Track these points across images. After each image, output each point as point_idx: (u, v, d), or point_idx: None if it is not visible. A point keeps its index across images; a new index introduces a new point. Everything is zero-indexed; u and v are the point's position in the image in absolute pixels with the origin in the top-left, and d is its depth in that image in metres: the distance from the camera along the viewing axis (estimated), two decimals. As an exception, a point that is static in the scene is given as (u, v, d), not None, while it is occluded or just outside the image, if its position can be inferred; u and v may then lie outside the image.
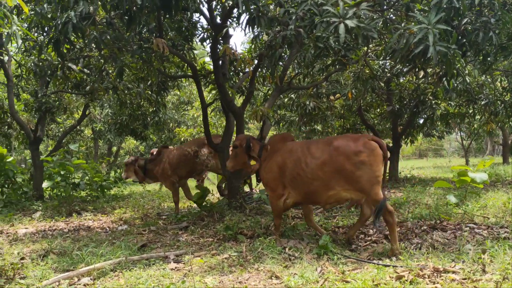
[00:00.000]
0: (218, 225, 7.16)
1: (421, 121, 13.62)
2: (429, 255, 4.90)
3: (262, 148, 6.10)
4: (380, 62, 11.68)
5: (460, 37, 5.86)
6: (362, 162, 5.22)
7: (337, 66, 8.45)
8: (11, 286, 4.44)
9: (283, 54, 6.81)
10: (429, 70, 8.99)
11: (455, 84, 9.81)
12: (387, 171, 11.87)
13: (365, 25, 5.15)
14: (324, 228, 6.71)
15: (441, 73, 7.56)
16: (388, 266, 4.57)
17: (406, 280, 4.07)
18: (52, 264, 5.22)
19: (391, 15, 7.16)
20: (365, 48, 8.57)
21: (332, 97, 12.46)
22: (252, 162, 6.12)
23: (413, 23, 5.63)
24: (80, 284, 4.45)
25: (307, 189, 5.59)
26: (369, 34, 5.30)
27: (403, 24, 5.75)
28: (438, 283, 4.00)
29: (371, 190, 5.22)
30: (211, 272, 4.71)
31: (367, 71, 9.77)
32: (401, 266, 4.50)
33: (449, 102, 12.28)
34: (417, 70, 7.65)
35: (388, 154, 5.52)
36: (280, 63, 8.60)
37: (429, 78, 9.94)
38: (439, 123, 14.35)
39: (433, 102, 11.82)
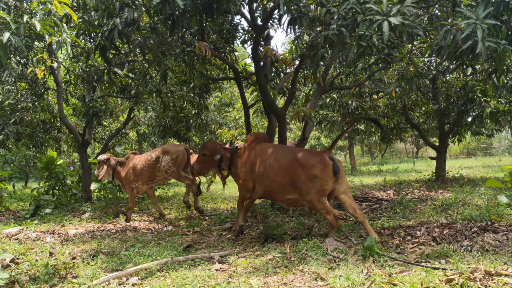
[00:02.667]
0: (262, 226, 7.18)
1: (469, 119, 13.18)
2: (480, 258, 4.73)
3: (234, 153, 6.83)
4: (425, 60, 11.40)
5: (510, 32, 5.64)
6: (315, 175, 5.75)
7: (381, 65, 8.30)
8: (64, 284, 4.60)
9: (325, 54, 6.75)
10: (477, 66, 8.69)
11: (505, 81, 9.47)
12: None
13: (410, 22, 5.04)
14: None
15: (490, 69, 7.32)
16: (438, 269, 4.44)
17: (457, 284, 3.93)
18: (101, 264, 5.37)
19: (437, 11, 6.97)
20: (409, 45, 8.39)
21: (375, 96, 12.25)
22: (224, 172, 7.03)
23: (460, 19, 5.46)
24: (128, 284, 4.56)
25: (267, 188, 6.22)
26: (414, 31, 5.18)
27: (449, 20, 5.58)
28: (490, 286, 3.85)
29: (318, 202, 5.82)
30: (255, 273, 4.72)
31: (412, 69, 9.56)
32: (451, 269, 4.36)
33: (499, 99, 11.83)
34: (464, 67, 7.40)
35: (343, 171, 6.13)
36: (322, 63, 8.54)
37: (478, 75, 9.60)
38: (488, 121, 13.84)
39: (482, 99, 11.43)
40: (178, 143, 15.40)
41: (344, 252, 5.25)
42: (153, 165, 8.72)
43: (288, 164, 5.98)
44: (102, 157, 9.30)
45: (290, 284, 4.28)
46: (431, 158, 15.03)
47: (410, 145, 37.02)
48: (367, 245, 5.09)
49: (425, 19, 6.42)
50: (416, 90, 12.05)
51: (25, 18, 5.06)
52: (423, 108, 14.63)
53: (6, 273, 4.41)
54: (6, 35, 4.77)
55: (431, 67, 11.60)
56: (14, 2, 5.59)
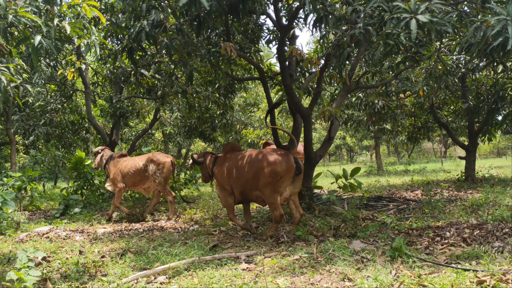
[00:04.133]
0: (288, 226, 7.16)
1: (500, 118, 12.87)
2: (512, 260, 4.63)
3: (215, 160, 7.20)
4: (454, 57, 11.19)
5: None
6: (276, 172, 6.18)
7: (408, 63, 8.18)
8: (94, 282, 4.68)
9: (351, 53, 6.69)
10: (508, 64, 8.49)
11: (538, 78, 9.21)
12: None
13: (438, 19, 4.95)
14: (397, 230, 6.52)
15: (522, 66, 7.12)
16: (468, 270, 4.36)
17: (488, 285, 3.86)
18: (130, 263, 5.45)
19: (466, 8, 6.83)
20: (438, 43, 8.24)
21: (402, 95, 12.09)
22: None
23: (490, 15, 5.33)
24: (156, 282, 4.61)
25: (241, 189, 6.67)
26: (443, 29, 5.08)
27: (479, 17, 5.45)
28: (523, 289, 3.76)
29: (270, 196, 6.26)
30: (282, 273, 4.71)
31: (440, 67, 9.39)
32: (482, 271, 4.28)
33: (531, 97, 11.53)
34: (495, 64, 7.24)
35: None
36: (348, 62, 8.46)
37: (509, 73, 9.38)
38: (519, 120, 13.49)
39: (514, 97, 11.15)
40: (204, 143, 15.47)
41: (371, 253, 5.20)
42: (139, 172, 9.13)
43: (256, 162, 6.40)
44: (98, 148, 9.89)
45: (317, 285, 4.26)
46: (460, 157, 14.76)
47: (438, 145, 36.42)
48: (395, 245, 5.03)
49: (454, 16, 6.30)
50: (444, 89, 11.85)
51: (56, 21, 5.16)
52: (452, 107, 14.37)
53: (39, 271, 4.51)
54: (38, 38, 4.88)
55: (460, 64, 11.39)
56: (45, 6, 5.71)
